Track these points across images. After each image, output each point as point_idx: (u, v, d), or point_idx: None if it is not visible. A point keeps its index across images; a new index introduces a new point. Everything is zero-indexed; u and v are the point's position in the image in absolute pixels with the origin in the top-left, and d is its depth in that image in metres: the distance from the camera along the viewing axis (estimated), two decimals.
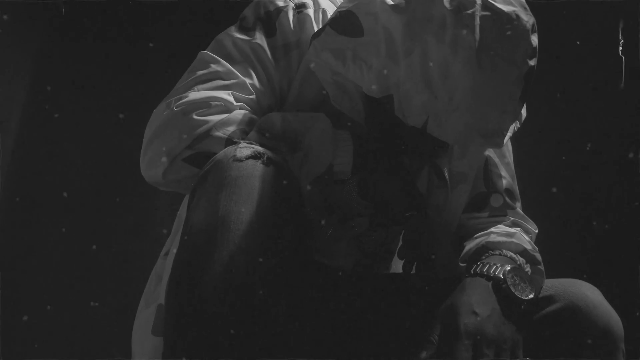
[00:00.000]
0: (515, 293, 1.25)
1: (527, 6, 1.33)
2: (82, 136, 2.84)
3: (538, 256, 1.40)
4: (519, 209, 1.55)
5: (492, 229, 1.47)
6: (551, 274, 1.55)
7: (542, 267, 1.39)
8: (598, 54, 2.66)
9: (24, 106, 2.83)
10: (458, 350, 1.19)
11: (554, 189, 2.61)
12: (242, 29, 1.44)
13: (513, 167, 1.59)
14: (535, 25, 1.32)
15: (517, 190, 1.58)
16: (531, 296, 1.26)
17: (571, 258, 2.59)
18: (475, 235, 1.46)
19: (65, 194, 2.85)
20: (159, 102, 1.47)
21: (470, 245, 1.43)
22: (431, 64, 1.28)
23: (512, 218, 1.52)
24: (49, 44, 2.88)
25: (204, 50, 1.46)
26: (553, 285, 1.38)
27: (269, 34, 1.43)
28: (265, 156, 1.24)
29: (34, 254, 2.79)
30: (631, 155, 2.65)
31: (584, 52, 2.65)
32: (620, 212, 2.63)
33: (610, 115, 2.65)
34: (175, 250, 1.43)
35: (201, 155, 1.32)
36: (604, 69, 2.65)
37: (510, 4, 1.30)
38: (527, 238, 1.45)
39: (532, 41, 1.30)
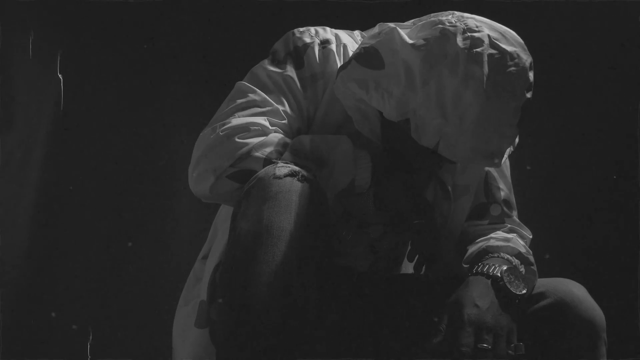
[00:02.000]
0: (511, 289, 1.45)
1: (525, 47, 1.51)
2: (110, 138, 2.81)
3: (531, 258, 1.59)
4: (515, 217, 1.73)
5: (492, 235, 1.65)
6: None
7: (534, 267, 1.58)
8: (598, 55, 2.69)
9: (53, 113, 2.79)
10: (462, 336, 1.39)
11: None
12: (274, 62, 1.61)
13: (510, 180, 1.75)
14: (532, 63, 1.50)
15: (514, 201, 1.75)
16: (524, 292, 1.46)
17: (571, 259, 2.63)
18: (477, 241, 1.65)
19: (70, 187, 2.78)
20: None
21: (472, 249, 1.62)
22: (444, 93, 1.45)
23: (509, 225, 1.69)
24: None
25: (240, 81, 1.64)
26: (544, 283, 1.57)
27: (298, 67, 1.60)
28: (300, 174, 1.43)
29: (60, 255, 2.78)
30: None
31: (583, 54, 2.69)
32: (619, 212, 2.67)
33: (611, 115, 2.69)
34: (212, 257, 1.65)
35: (243, 172, 1.49)
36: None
37: (512, 44, 1.48)
38: (522, 243, 1.64)
39: (529, 77, 1.48)
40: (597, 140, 2.68)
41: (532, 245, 1.74)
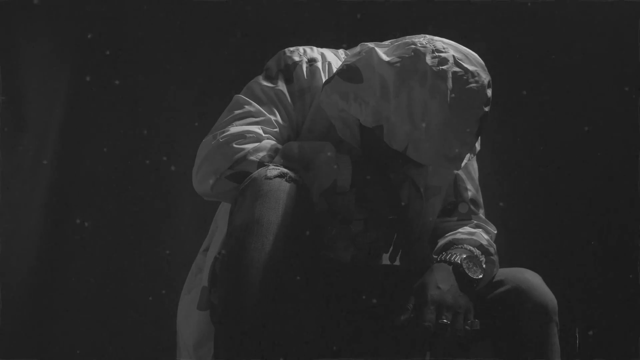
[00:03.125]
0: (469, 274, 1.67)
1: (485, 67, 1.71)
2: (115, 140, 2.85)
3: (492, 249, 1.80)
4: (481, 215, 1.93)
5: (459, 230, 1.86)
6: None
7: (494, 257, 1.79)
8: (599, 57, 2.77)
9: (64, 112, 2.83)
10: (425, 313, 1.60)
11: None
12: (267, 78, 1.82)
13: (477, 183, 1.96)
14: (491, 82, 1.70)
15: (481, 200, 1.95)
16: (481, 276, 1.67)
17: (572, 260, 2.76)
18: (446, 235, 1.86)
19: (79, 188, 2.77)
20: None
21: (441, 242, 1.83)
22: (413, 104, 1.66)
23: (475, 222, 1.90)
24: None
25: (238, 94, 1.83)
26: (504, 272, 1.79)
27: (288, 82, 1.80)
28: (288, 175, 1.63)
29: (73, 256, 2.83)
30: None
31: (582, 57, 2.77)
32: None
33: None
34: (213, 248, 1.85)
35: (240, 174, 1.69)
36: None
37: (474, 64, 1.69)
38: (486, 237, 1.85)
39: (487, 93, 1.69)
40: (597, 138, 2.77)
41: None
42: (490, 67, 1.75)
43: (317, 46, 1.90)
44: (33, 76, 2.81)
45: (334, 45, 1.97)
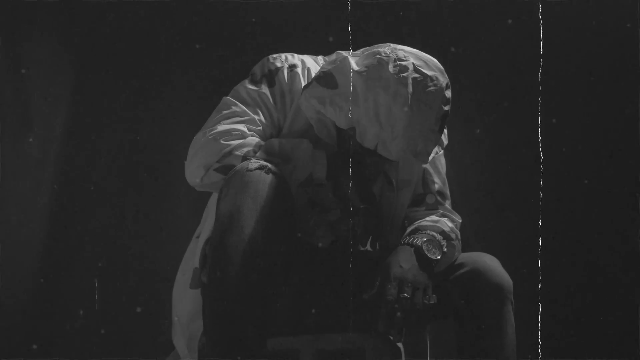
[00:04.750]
0: (428, 254, 1.87)
1: (443, 71, 1.90)
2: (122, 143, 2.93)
3: (453, 235, 1.99)
4: (447, 205, 2.11)
5: (426, 218, 2.05)
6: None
7: (455, 242, 1.98)
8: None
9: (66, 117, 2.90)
10: (389, 288, 1.81)
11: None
12: (252, 82, 2.00)
13: (444, 176, 2.14)
14: (449, 84, 1.89)
15: (448, 192, 2.13)
16: (439, 257, 1.88)
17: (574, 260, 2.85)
18: (414, 223, 2.05)
19: (84, 185, 2.83)
20: None
21: (409, 228, 2.02)
22: (380, 108, 1.85)
23: (441, 211, 2.08)
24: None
25: (226, 96, 2.02)
26: (465, 256, 1.99)
27: (271, 85, 1.99)
28: (267, 168, 1.82)
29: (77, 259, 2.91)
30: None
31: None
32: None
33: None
34: (204, 234, 2.05)
35: (226, 167, 1.88)
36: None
37: (433, 70, 1.88)
38: (450, 224, 2.03)
39: (446, 94, 1.88)
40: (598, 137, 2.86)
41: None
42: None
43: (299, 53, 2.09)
44: (37, 76, 2.88)
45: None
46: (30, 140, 2.90)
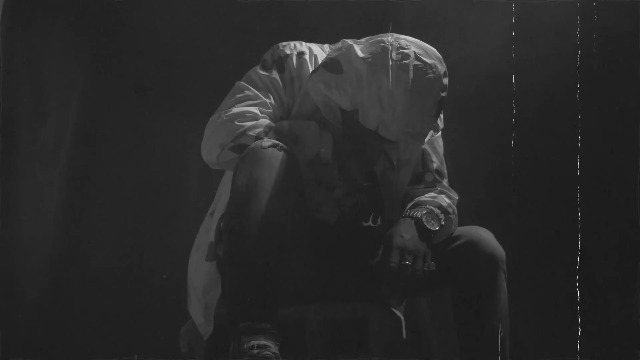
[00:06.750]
0: (427, 226, 2.01)
1: (442, 59, 2.02)
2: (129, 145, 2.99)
3: (450, 210, 2.11)
4: (445, 183, 2.22)
5: (425, 195, 2.17)
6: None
7: (452, 216, 2.10)
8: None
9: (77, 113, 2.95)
10: (391, 256, 1.95)
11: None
12: (264, 68, 2.12)
13: (442, 156, 2.25)
14: (446, 72, 2.01)
15: (445, 171, 2.25)
16: (437, 228, 2.01)
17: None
18: (414, 199, 2.17)
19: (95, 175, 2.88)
20: None
21: (409, 204, 2.14)
22: (382, 92, 1.97)
23: (439, 188, 2.19)
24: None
25: (239, 81, 2.14)
26: (461, 229, 2.12)
27: (281, 71, 2.11)
28: (279, 146, 1.95)
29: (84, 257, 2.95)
30: None
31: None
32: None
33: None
34: (218, 211, 2.16)
35: (240, 146, 1.99)
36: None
37: (432, 58, 2.00)
38: (447, 200, 2.15)
39: (443, 81, 1.99)
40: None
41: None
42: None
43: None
44: (51, 72, 2.93)
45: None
46: (36, 140, 2.95)
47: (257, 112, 2.07)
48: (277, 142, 1.98)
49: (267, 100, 2.10)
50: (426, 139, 2.07)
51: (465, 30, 2.90)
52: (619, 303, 2.88)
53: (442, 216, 2.07)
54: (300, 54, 2.15)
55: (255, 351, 1.79)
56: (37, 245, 2.95)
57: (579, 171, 2.88)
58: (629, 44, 2.80)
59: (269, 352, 1.80)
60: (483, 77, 2.92)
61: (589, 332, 2.82)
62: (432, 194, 2.19)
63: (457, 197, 2.24)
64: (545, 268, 2.96)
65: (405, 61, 1.98)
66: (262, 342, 1.81)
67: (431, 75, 1.98)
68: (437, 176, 2.24)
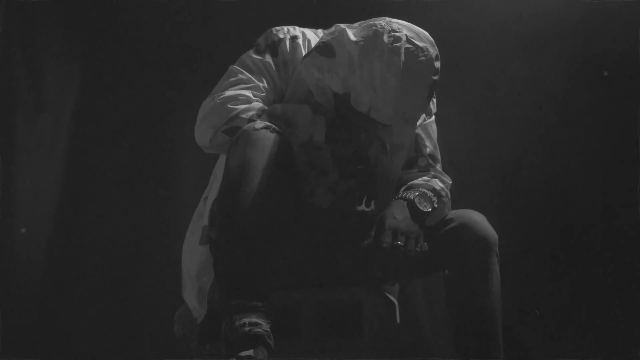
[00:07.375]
0: (420, 207, 2.02)
1: (434, 43, 2.02)
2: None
3: (443, 193, 2.13)
4: (438, 168, 2.24)
5: (419, 179, 2.19)
6: None
7: (445, 199, 2.12)
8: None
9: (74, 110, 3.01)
10: (384, 236, 1.96)
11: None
12: (257, 52, 2.14)
13: (435, 141, 2.27)
14: (438, 55, 2.01)
15: (439, 156, 2.27)
16: (429, 210, 2.03)
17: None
18: (408, 183, 2.19)
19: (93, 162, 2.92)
20: None
21: (403, 188, 2.15)
22: (374, 75, 1.98)
23: (432, 173, 2.21)
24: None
25: (233, 65, 2.15)
26: (454, 212, 2.14)
27: (274, 55, 2.13)
28: (272, 127, 1.96)
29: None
30: None
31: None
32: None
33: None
34: (211, 196, 2.18)
35: (233, 129, 2.00)
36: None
37: (424, 41, 2.00)
38: (440, 184, 2.16)
39: (435, 64, 2.00)
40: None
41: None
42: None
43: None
44: (49, 65, 2.98)
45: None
46: (44, 121, 2.99)
47: (250, 95, 2.09)
48: (269, 124, 1.99)
49: (260, 84, 2.12)
50: (419, 123, 2.08)
51: None
52: (619, 303, 2.91)
53: (434, 199, 2.09)
54: (294, 38, 2.17)
55: (247, 329, 1.80)
56: (35, 237, 2.99)
57: (581, 167, 2.98)
58: None
59: (260, 330, 1.80)
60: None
61: (589, 332, 2.88)
62: (426, 177, 2.21)
63: (450, 182, 2.25)
64: (540, 262, 3.00)
65: (397, 44, 1.98)
66: (254, 319, 1.81)
67: (423, 58, 1.99)
68: (430, 160, 2.25)
